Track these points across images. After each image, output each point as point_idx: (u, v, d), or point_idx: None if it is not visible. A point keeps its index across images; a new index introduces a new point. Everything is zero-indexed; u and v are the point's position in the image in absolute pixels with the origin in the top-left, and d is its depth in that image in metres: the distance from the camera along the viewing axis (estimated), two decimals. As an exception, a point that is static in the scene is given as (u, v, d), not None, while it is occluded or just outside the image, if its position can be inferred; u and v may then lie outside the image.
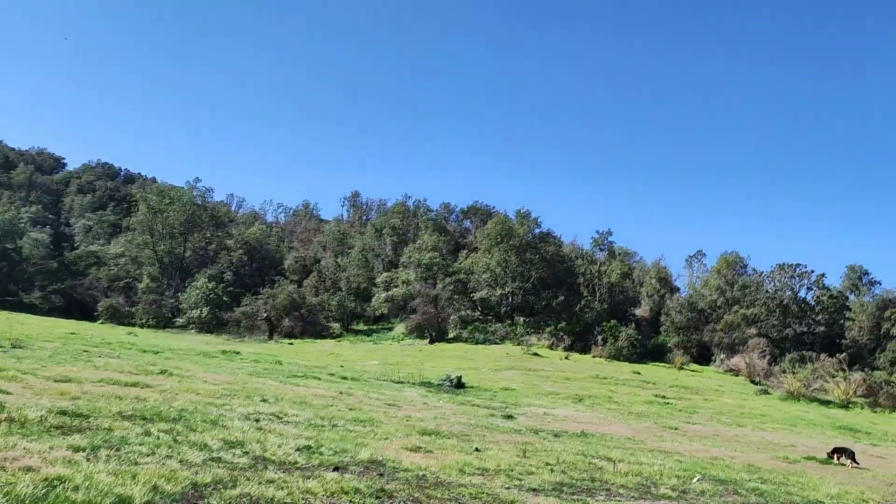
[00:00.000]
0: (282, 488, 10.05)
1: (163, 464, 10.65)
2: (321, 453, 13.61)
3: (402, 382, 37.15)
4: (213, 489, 9.41)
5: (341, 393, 27.83)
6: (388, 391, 31.12)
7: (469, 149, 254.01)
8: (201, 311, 77.64)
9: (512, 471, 14.52)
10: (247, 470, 11.23)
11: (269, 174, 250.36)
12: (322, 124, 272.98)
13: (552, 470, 15.28)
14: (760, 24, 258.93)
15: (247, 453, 12.64)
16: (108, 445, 11.64)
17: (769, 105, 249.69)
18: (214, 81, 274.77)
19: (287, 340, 69.35)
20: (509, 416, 26.81)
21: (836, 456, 22.82)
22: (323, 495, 9.96)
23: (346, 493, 10.41)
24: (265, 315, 74.90)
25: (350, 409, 22.88)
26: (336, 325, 78.89)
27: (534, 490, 12.91)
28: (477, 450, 17.31)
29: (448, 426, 21.62)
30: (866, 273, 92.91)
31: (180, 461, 11.12)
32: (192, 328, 77.75)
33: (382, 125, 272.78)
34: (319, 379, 32.77)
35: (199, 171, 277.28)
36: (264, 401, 21.92)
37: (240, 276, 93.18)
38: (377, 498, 10.33)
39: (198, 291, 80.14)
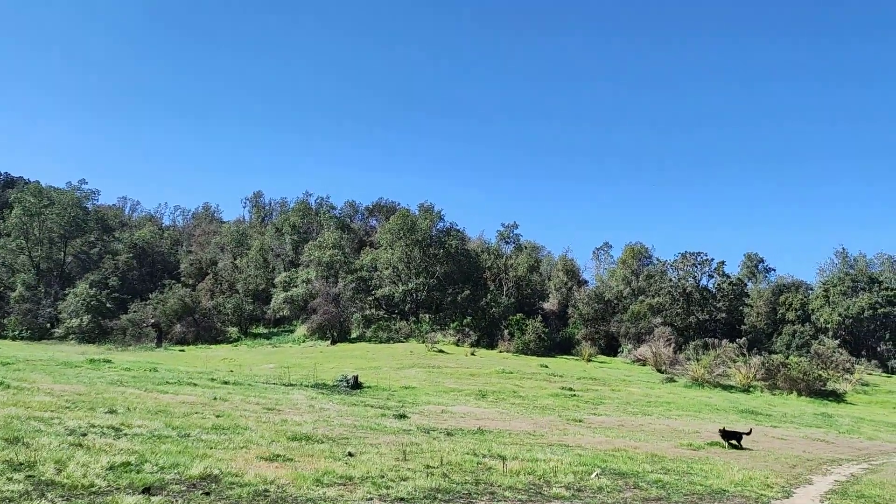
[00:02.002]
0: (43, 523, 7.53)
1: None
2: (140, 471, 11.06)
3: (292, 385, 34.35)
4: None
5: (215, 399, 24.95)
6: (273, 395, 28.34)
7: (375, 148, 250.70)
8: (82, 319, 71.35)
9: (382, 477, 12.42)
10: (12, 500, 8.57)
11: (170, 177, 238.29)
12: (224, 124, 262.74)
13: (431, 473, 13.23)
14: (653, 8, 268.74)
15: (30, 477, 9.97)
16: None
17: (660, 95, 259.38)
18: (107, 82, 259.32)
19: (178, 347, 64.60)
20: (402, 416, 24.67)
21: (728, 440, 22.14)
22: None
23: (140, 522, 8.02)
24: (152, 321, 69.64)
25: (217, 416, 20.19)
26: (233, 330, 74.34)
27: (401, 499, 10.89)
28: (350, 454, 15.14)
29: (327, 430, 19.24)
30: (762, 260, 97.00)
31: (-85, 495, 8.32)
32: (72, 338, 71.39)
33: (288, 125, 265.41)
34: (196, 385, 29.56)
35: (91, 175, 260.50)
36: (111, 412, 19.00)
37: (127, 282, 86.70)
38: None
39: (78, 299, 73.63)
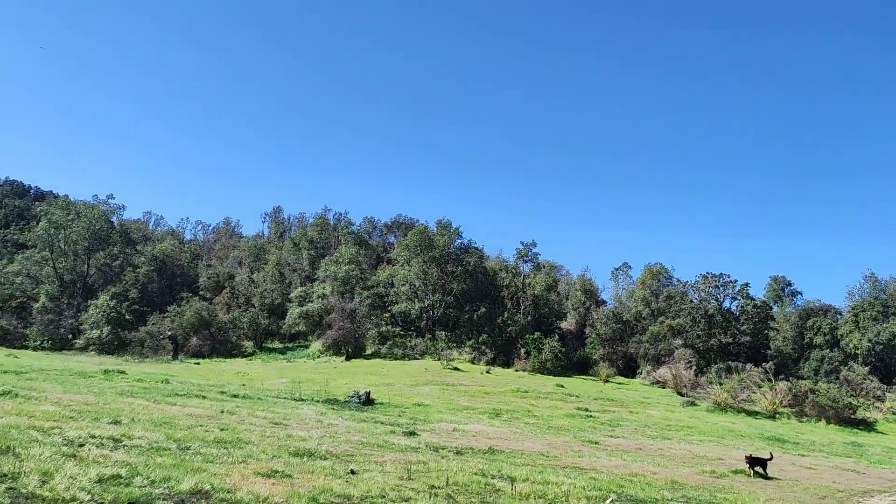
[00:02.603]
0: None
1: None
2: (129, 484, 10.66)
3: (303, 400, 33.85)
4: None
5: (223, 412, 24.53)
6: (282, 409, 27.85)
7: (395, 164, 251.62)
8: (102, 331, 71.70)
9: (383, 497, 11.90)
10: (-15, 513, 8.16)
11: (194, 193, 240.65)
12: (245, 140, 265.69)
13: (435, 494, 12.66)
14: (675, 32, 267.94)
15: (11, 489, 9.63)
16: None
17: (683, 117, 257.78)
18: (142, 103, 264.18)
19: (193, 360, 64.50)
20: (412, 433, 24.01)
21: (753, 468, 21.35)
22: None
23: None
24: (169, 334, 69.75)
25: (221, 430, 19.77)
26: (249, 344, 74.17)
27: (400, 522, 10.28)
28: (352, 472, 14.60)
29: (332, 446, 18.67)
30: (789, 284, 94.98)
31: None
32: (92, 349, 71.69)
33: (309, 141, 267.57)
34: (205, 398, 29.21)
35: (119, 190, 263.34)
36: (115, 423, 18.74)
37: (147, 294, 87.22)
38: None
39: (98, 310, 74.09)
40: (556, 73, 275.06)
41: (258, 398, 31.88)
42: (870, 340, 72.63)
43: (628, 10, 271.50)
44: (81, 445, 14.23)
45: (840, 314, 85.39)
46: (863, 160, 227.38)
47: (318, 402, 33.77)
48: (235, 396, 31.14)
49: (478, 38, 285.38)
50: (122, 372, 38.75)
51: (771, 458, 22.12)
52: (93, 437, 15.48)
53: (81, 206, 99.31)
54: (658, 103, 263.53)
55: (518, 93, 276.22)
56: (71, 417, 18.75)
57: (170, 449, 15.10)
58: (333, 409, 30.82)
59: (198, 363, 62.30)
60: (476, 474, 15.87)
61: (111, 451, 14.04)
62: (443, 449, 20.86)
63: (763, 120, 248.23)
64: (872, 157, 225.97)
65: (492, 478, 15.71)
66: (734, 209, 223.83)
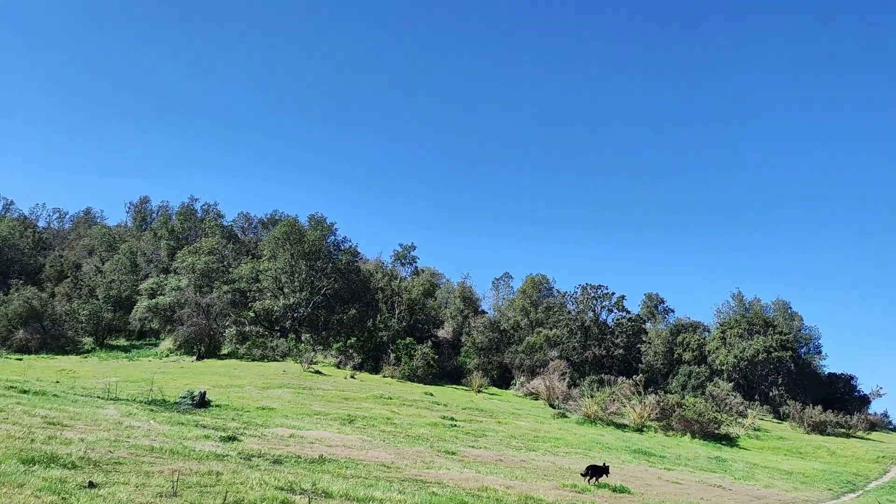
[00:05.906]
0: None
1: None
2: None
3: (118, 400, 28.71)
4: None
5: (-12, 409, 19.40)
6: (78, 409, 22.86)
7: (276, 163, 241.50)
8: None
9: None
10: None
11: (57, 181, 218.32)
12: (114, 126, 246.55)
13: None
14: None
15: None
16: None
17: (560, 126, 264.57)
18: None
19: (16, 356, 56.17)
20: (231, 438, 19.93)
21: (588, 477, 20.24)
22: None
23: None
24: (-13, 325, 60.74)
25: (-42, 430, 14.96)
26: (89, 340, 65.84)
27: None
28: (90, 485, 10.61)
29: (102, 452, 14.35)
30: (662, 301, 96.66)
31: None
32: None
33: (183, 130, 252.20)
34: (-18, 394, 23.64)
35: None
36: None
37: (-31, 281, 76.48)
38: None
39: None
40: (438, 75, 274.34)
41: (55, 395, 26.48)
42: (735, 357, 74.73)
43: (517, 14, 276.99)
44: None
45: (708, 331, 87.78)
46: (732, 186, 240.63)
47: (139, 402, 28.76)
48: (24, 392, 25.67)
49: (358, 36, 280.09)
50: None
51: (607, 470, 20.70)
52: None
53: None
54: (538, 111, 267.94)
55: (398, 94, 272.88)
56: None
57: None
58: (152, 410, 26.00)
59: (20, 359, 54.20)
60: (281, 489, 12.24)
61: None
62: (259, 457, 16.95)
63: (642, 129, 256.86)
64: (740, 185, 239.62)
65: (300, 493, 12.14)
66: (616, 221, 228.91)
